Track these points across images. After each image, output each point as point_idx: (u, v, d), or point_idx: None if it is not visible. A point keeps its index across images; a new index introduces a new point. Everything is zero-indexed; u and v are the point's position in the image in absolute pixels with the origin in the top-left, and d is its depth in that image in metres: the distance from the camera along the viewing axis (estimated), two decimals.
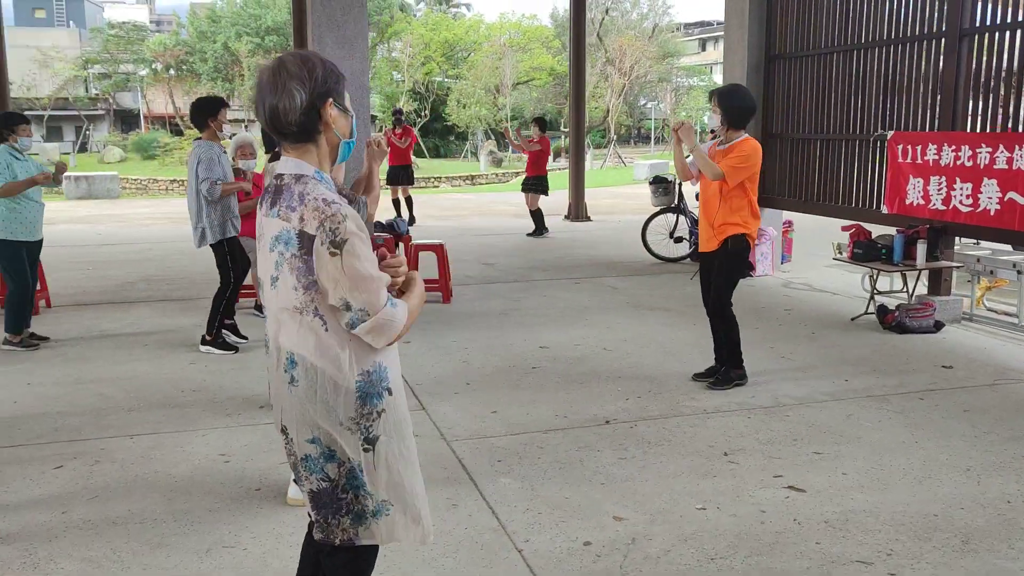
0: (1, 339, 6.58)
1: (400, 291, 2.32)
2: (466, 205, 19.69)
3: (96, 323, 7.45)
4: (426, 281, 8.04)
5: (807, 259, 10.26)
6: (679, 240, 10.16)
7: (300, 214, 2.10)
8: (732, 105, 5.30)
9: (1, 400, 5.37)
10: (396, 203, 14.45)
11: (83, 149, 44.56)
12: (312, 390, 2.16)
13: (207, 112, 6.27)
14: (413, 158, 15.12)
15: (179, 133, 39.96)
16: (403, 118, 14.50)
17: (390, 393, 2.24)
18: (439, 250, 8.25)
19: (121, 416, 5.05)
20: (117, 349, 6.57)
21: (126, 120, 51.03)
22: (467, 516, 3.74)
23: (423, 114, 40.22)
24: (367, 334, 2.12)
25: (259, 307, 7.67)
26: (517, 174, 31.91)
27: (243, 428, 4.84)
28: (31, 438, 4.69)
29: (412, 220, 14.40)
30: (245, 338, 6.74)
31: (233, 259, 6.46)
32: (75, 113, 45.59)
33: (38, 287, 7.24)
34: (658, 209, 10.30)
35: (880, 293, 7.68)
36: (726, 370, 5.53)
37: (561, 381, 5.69)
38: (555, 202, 14.88)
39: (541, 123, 13.15)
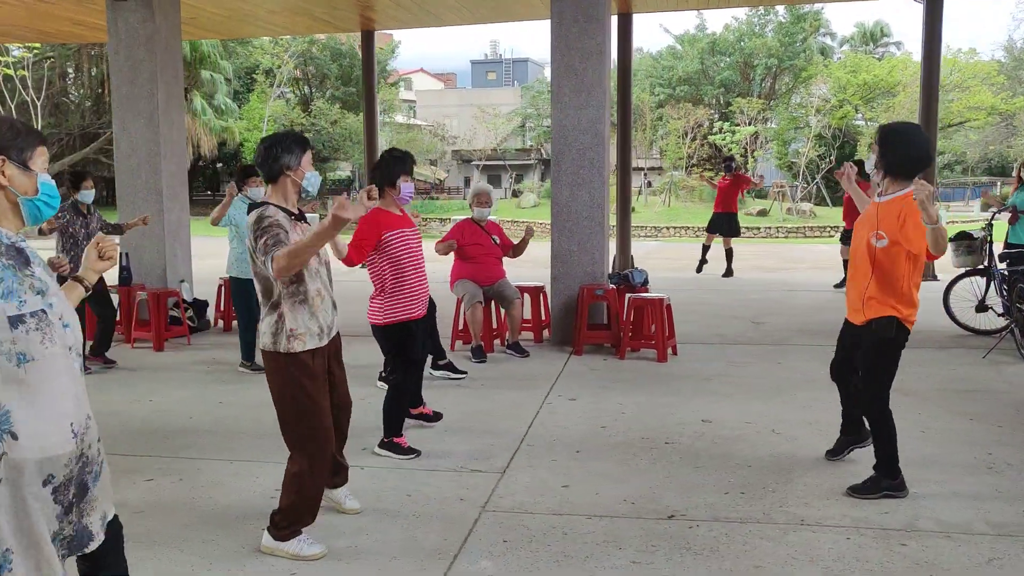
0: (239, 363, 7.55)
1: None
2: (820, 257, 18.19)
3: None
4: (644, 337, 7.65)
5: None
6: (983, 309, 8.36)
7: None
8: (897, 151, 4.27)
9: (181, 413, 6.15)
10: (705, 249, 13.84)
11: (515, 195, 49.30)
12: None
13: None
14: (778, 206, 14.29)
15: None
16: (734, 165, 13.89)
17: (14, 438, 2.20)
18: (656, 305, 7.75)
19: (247, 441, 5.50)
20: None
21: None
22: None
23: (828, 160, 37.97)
24: None
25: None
26: None
27: (383, 470, 4.98)
28: (163, 451, 5.31)
29: (729, 272, 13.70)
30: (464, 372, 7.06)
31: None
32: (512, 163, 50.72)
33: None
34: (962, 271, 8.60)
35: None
36: (877, 476, 4.43)
37: (679, 462, 5.01)
38: None
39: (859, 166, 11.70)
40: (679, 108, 42.09)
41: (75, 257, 7.38)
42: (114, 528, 2.59)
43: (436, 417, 5.58)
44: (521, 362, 7.75)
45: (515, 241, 7.96)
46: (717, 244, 13.87)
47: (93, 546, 2.47)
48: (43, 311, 2.35)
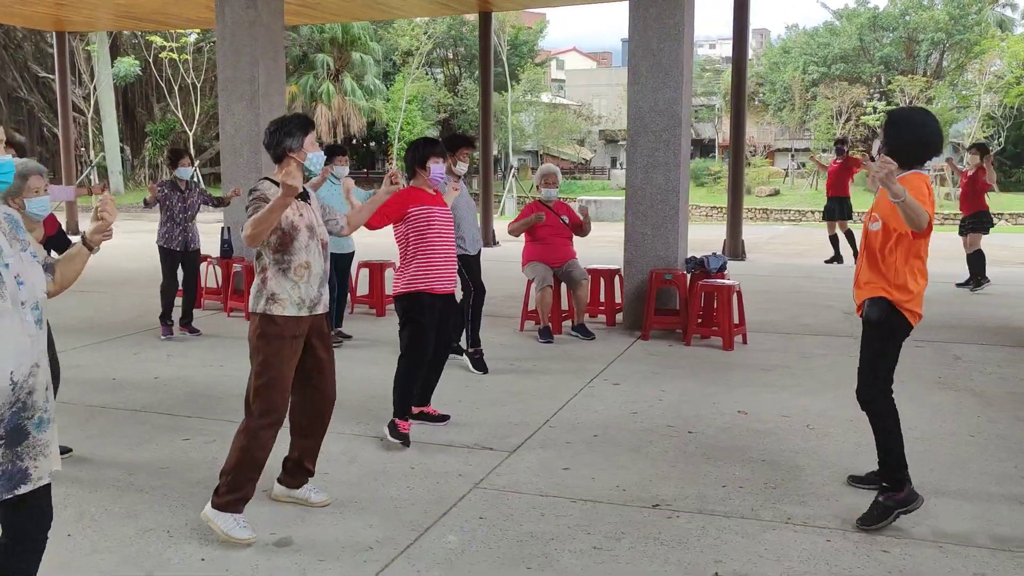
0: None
1: None
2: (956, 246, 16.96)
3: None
4: (714, 324, 7.47)
5: None
6: None
7: None
8: (901, 135, 4.03)
9: (242, 379, 6.53)
10: (833, 239, 13.23)
11: None
12: None
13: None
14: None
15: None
16: (845, 148, 13.21)
17: None
18: (724, 291, 7.55)
19: None
20: (379, 353, 7.40)
21: (704, 149, 54.28)
22: (362, 551, 3.62)
23: (997, 141, 35.25)
24: None
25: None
26: None
27: (365, 439, 5.22)
28: (210, 413, 5.69)
29: (836, 258, 13.09)
30: (461, 352, 7.11)
31: (469, 272, 6.84)
32: None
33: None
34: None
35: None
36: (883, 501, 3.98)
37: (692, 452, 4.92)
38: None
39: (982, 149, 10.91)
40: (834, 87, 40.23)
41: (170, 229, 7.96)
42: (49, 488, 2.83)
43: (441, 418, 5.50)
44: (583, 344, 7.75)
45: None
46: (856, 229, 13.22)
47: (24, 489, 2.71)
48: None
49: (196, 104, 31.51)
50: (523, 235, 8.13)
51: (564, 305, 8.34)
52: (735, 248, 13.56)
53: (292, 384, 3.99)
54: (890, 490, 4.01)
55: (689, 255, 8.45)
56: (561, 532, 3.88)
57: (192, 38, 30.71)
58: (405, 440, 5.05)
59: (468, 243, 6.87)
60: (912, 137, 4.00)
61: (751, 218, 31.18)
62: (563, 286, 8.18)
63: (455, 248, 5.37)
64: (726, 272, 8.26)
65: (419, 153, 5.22)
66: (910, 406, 5.65)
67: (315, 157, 3.98)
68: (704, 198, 36.57)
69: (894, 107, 4.39)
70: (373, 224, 5.09)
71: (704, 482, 4.47)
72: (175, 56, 30.00)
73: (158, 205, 7.99)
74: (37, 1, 14.43)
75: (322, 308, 4.07)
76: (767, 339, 7.90)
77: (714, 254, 8.31)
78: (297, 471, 4.23)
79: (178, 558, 3.64)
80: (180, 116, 32.45)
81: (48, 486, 2.83)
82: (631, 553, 3.68)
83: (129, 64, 31.52)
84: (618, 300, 8.61)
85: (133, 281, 11.24)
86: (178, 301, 8.17)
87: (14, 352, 2.64)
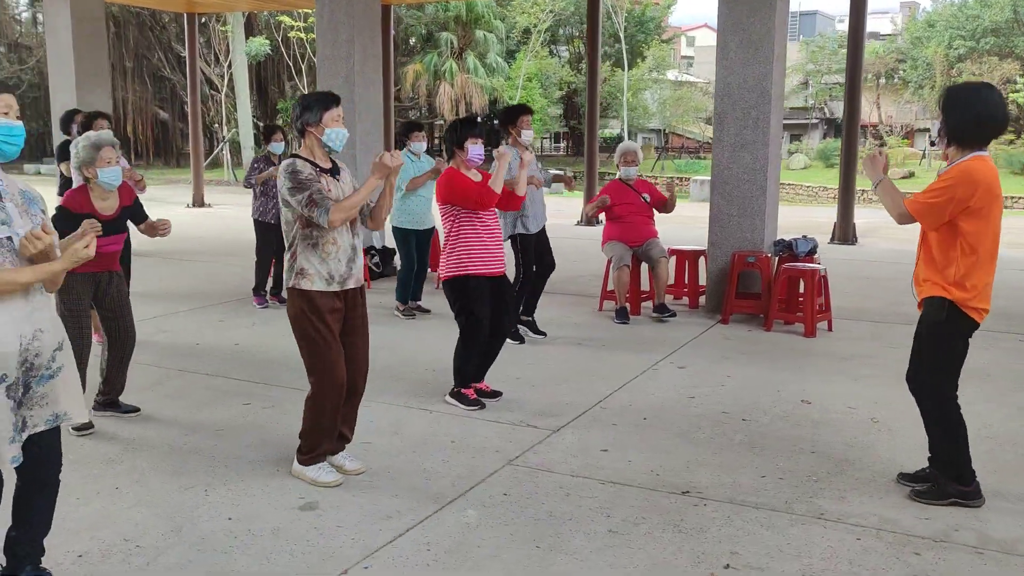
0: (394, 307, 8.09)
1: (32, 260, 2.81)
2: None
3: None
4: (798, 310, 7.20)
5: None
6: None
7: None
8: (959, 112, 3.75)
9: None
10: None
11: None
12: None
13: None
14: None
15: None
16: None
17: None
18: (809, 276, 7.24)
19: None
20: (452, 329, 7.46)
21: (838, 128, 52.07)
22: (381, 519, 3.69)
23: None
24: None
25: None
26: None
27: (415, 412, 5.31)
28: (273, 380, 5.90)
29: None
30: (543, 334, 7.07)
31: (525, 253, 6.83)
32: (789, 122, 48.27)
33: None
34: None
35: None
36: (943, 481, 3.94)
37: (740, 440, 4.77)
38: None
39: None
40: (982, 63, 37.76)
41: (264, 203, 8.25)
42: (56, 434, 3.03)
43: (494, 395, 5.50)
44: (659, 326, 7.61)
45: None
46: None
47: (23, 436, 2.91)
48: (8, 238, 2.80)
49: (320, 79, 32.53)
50: (603, 214, 8.05)
51: (645, 286, 8.19)
52: (846, 232, 12.99)
53: None
54: (955, 481, 3.90)
55: (778, 237, 8.15)
56: (581, 513, 3.84)
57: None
58: (479, 404, 5.23)
59: (531, 221, 6.86)
60: (974, 116, 3.72)
61: (875, 199, 29.69)
62: (644, 266, 8.04)
63: (500, 230, 5.36)
64: (816, 256, 7.92)
65: (457, 134, 5.22)
66: (987, 405, 5.30)
67: (332, 133, 4.02)
68: (833, 179, 35.10)
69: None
70: (489, 202, 5.15)
71: (744, 471, 4.33)
72: (303, 35, 30.97)
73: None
74: None
75: (353, 283, 4.15)
76: (856, 327, 7.55)
77: (804, 237, 7.98)
78: (336, 438, 4.35)
79: (208, 515, 3.81)
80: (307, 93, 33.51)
81: (55, 432, 3.02)
82: (645, 539, 3.60)
83: (260, 44, 32.73)
84: (703, 282, 8.40)
85: (237, 253, 11.74)
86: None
87: (20, 318, 2.82)
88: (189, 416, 5.16)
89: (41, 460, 3.01)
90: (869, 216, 15.99)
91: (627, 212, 7.83)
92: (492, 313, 5.29)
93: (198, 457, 4.50)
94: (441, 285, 5.37)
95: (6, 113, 2.86)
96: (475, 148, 5.23)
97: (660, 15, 47.84)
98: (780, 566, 3.38)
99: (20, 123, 2.91)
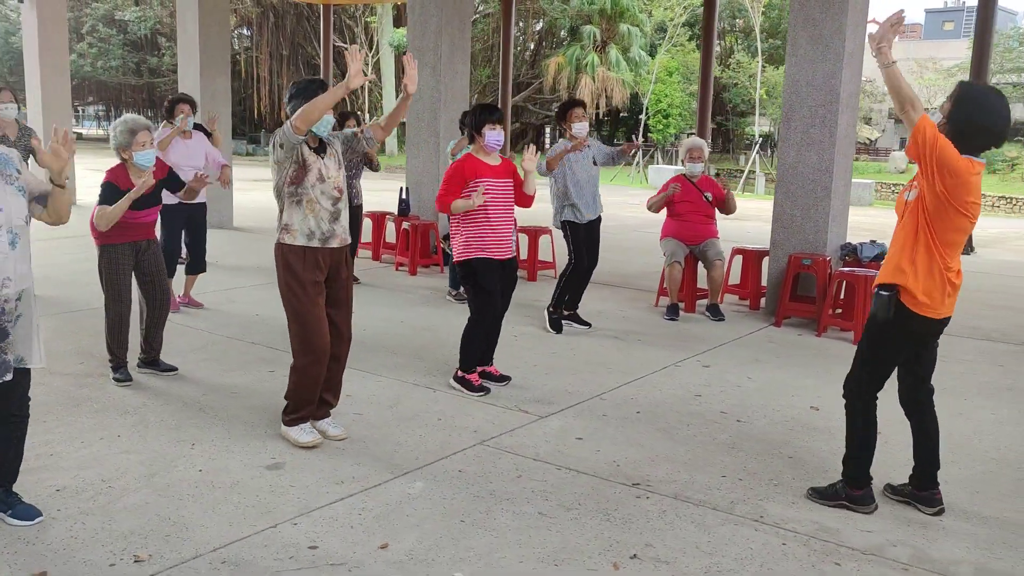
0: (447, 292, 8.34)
1: None
2: None
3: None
4: (845, 317, 6.96)
5: None
6: None
7: None
8: (965, 112, 3.60)
9: (361, 325, 7.06)
10: None
11: None
12: None
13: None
14: None
15: None
16: None
17: None
18: (862, 282, 6.96)
19: (382, 357, 6.23)
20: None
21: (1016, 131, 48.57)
22: (333, 484, 3.93)
23: None
24: None
25: None
26: None
27: (420, 389, 5.55)
28: None
29: None
30: (588, 324, 7.13)
31: (575, 240, 6.90)
32: None
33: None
34: None
35: None
36: (840, 483, 3.94)
37: (721, 440, 4.72)
38: None
39: None
40: None
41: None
42: (25, 375, 3.43)
43: (501, 379, 5.61)
44: (708, 325, 7.51)
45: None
46: None
47: (8, 377, 3.31)
48: None
49: (474, 70, 33.32)
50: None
51: (704, 283, 8.09)
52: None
53: None
54: (848, 484, 3.92)
55: (847, 241, 7.87)
56: (521, 495, 3.94)
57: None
58: (484, 390, 5.37)
59: (583, 209, 6.91)
60: (979, 124, 3.58)
61: (1000, 206, 27.44)
62: (700, 264, 7.95)
63: (512, 216, 5.48)
64: (881, 261, 7.58)
65: (475, 119, 5.38)
66: (1004, 427, 5.00)
67: (320, 121, 4.27)
68: (993, 186, 32.82)
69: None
70: (442, 210, 5.36)
71: (706, 470, 4.30)
72: None
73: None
74: None
75: (337, 243, 4.40)
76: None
77: (872, 242, 7.68)
78: (319, 403, 4.62)
79: (183, 466, 4.15)
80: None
81: (25, 372, 3.42)
82: (569, 524, 3.67)
83: (401, 35, 33.85)
84: (762, 283, 8.22)
85: None
86: None
87: None
88: (216, 378, 5.57)
89: (10, 397, 3.41)
90: (997, 225, 15.01)
91: (686, 210, 7.76)
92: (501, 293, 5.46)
93: (202, 415, 4.88)
94: (456, 266, 5.56)
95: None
96: (493, 134, 5.38)
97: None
98: (687, 561, 3.38)
99: None
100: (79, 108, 51.10)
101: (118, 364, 5.43)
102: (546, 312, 7.14)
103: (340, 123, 8.70)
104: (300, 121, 4.13)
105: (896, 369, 3.98)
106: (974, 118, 3.58)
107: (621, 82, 37.17)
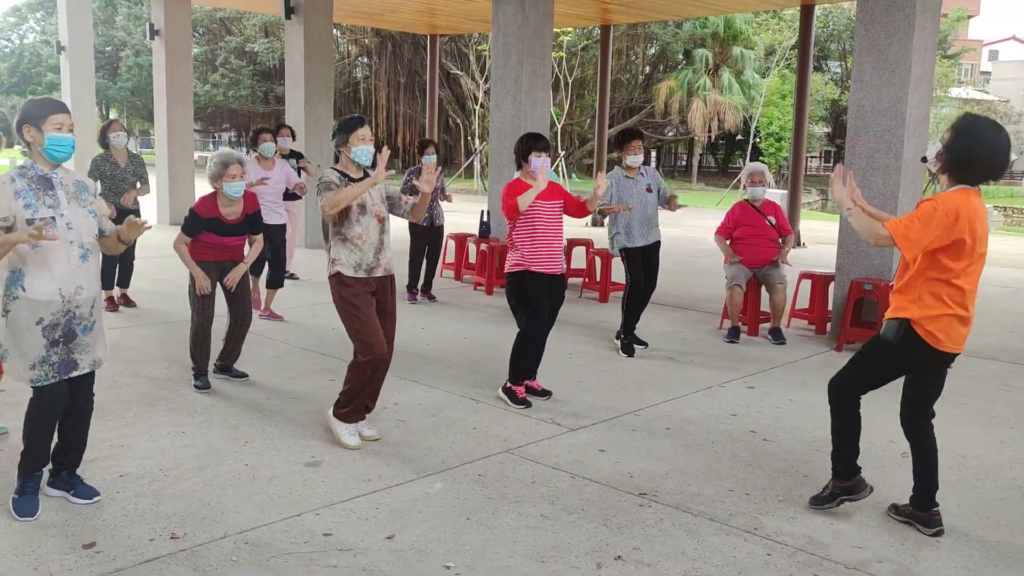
0: None
1: None
2: None
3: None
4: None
5: None
6: None
7: None
8: (966, 150, 3.72)
9: (426, 340, 7.48)
10: None
11: None
12: None
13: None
14: None
15: None
16: None
17: (23, 289, 3.68)
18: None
19: (434, 369, 6.60)
20: (567, 334, 7.89)
21: None
22: (360, 481, 4.31)
23: None
24: None
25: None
26: None
27: (464, 400, 5.89)
28: None
29: None
30: (644, 344, 7.31)
31: (631, 264, 7.11)
32: None
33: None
34: None
35: None
36: (833, 484, 4.14)
37: (742, 457, 4.84)
38: None
39: None
40: None
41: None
42: (91, 373, 3.95)
43: (544, 393, 5.86)
44: (766, 348, 7.56)
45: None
46: None
47: (75, 373, 3.84)
48: (52, 218, 3.73)
49: (567, 98, 33.70)
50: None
51: (767, 307, 8.14)
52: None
53: None
54: (836, 477, 4.10)
55: None
56: (530, 498, 4.20)
57: (568, 38, 32.86)
58: (525, 404, 5.67)
59: (636, 236, 7.12)
60: (978, 156, 3.70)
61: None
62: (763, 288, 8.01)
63: (561, 235, 5.78)
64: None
65: (523, 147, 5.72)
66: None
67: (357, 151, 4.73)
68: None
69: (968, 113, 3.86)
70: (509, 215, 5.72)
71: (716, 484, 4.45)
72: (563, 54, 32.29)
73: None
74: (412, 11, 16.82)
75: (381, 272, 4.84)
76: (984, 365, 7.06)
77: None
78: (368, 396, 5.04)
79: (232, 461, 4.61)
80: (551, 109, 34.90)
81: (91, 373, 3.93)
82: (567, 527, 3.91)
83: None
84: (828, 307, 8.19)
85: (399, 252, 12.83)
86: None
87: (62, 276, 3.73)
88: (282, 384, 6.06)
89: (77, 393, 3.93)
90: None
91: (748, 234, 7.85)
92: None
93: (261, 416, 5.35)
94: (504, 280, 5.91)
95: (58, 129, 3.77)
96: (538, 160, 5.70)
97: (947, 28, 44.38)
98: (668, 565, 3.57)
99: (70, 136, 3.81)
100: (215, 134, 54.20)
101: (199, 372, 5.97)
102: (617, 340, 7.34)
103: (420, 149, 9.20)
104: (328, 206, 4.62)
105: (901, 392, 4.07)
106: (974, 150, 3.68)
107: (733, 106, 36.83)
